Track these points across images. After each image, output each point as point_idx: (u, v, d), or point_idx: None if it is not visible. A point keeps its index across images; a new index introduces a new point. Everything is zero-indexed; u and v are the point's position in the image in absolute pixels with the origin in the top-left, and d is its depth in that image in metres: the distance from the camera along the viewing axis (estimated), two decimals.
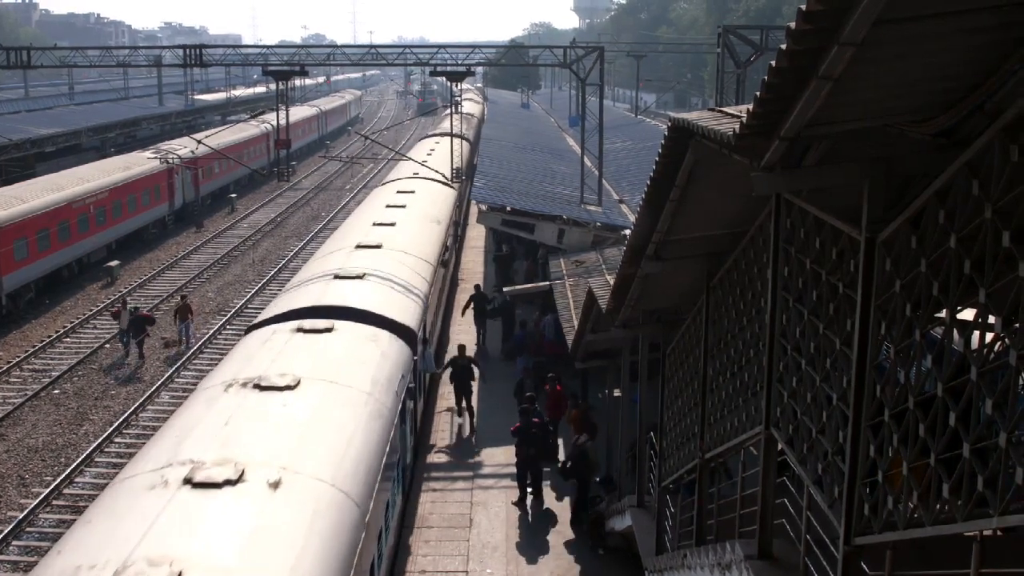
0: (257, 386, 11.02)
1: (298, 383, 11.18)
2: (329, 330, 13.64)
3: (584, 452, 16.38)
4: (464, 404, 20.27)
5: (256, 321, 16.22)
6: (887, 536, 5.11)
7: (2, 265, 27.95)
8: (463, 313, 26.37)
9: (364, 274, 17.77)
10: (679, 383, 11.45)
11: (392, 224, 22.87)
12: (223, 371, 12.28)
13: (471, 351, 24.80)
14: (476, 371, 20.63)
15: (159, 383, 23.44)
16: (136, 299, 31.45)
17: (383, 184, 33.16)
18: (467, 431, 19.78)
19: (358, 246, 20.34)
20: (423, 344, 17.75)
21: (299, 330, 13.60)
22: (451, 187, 31.38)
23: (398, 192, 28.43)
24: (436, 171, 31.68)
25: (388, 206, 25.71)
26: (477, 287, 26.73)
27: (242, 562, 7.27)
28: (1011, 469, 3.79)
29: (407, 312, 16.87)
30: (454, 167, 30.87)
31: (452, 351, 22.94)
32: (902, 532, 4.87)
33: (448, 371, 20.79)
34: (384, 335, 14.55)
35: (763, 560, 7.38)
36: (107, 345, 26.32)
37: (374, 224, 22.88)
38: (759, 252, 7.58)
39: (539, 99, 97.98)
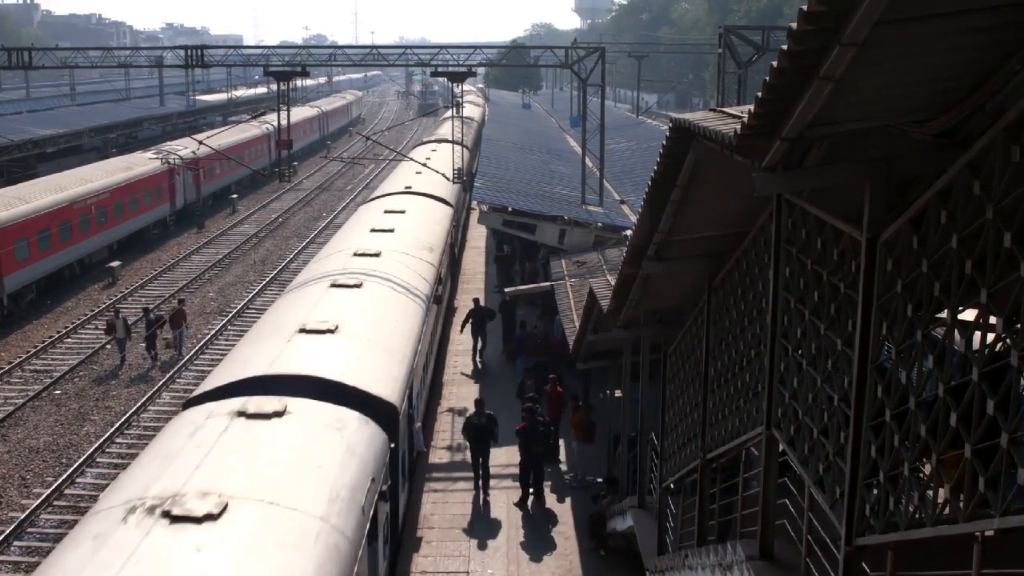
0: (167, 515, 7.94)
1: (223, 510, 8.08)
2: (279, 414, 10.53)
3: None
4: (480, 469, 17.35)
5: (195, 394, 12.67)
6: (888, 537, 5.11)
7: (4, 265, 27.97)
8: (461, 330, 25.30)
9: (336, 326, 14.19)
10: (680, 383, 11.45)
11: (376, 255, 19.61)
12: (129, 485, 9.01)
13: (467, 358, 24.74)
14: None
15: (160, 384, 23.44)
16: (135, 301, 31.48)
17: (370, 201, 29.99)
18: (480, 499, 17.01)
19: (334, 285, 16.95)
20: (408, 422, 14.48)
21: (240, 414, 10.47)
22: (447, 204, 28.74)
23: (386, 212, 25.21)
24: (435, 177, 30.51)
25: (373, 230, 22.60)
26: (476, 301, 25.38)
27: None
28: (1013, 470, 3.79)
29: (387, 379, 13.22)
30: (454, 179, 30.22)
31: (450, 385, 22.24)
32: (903, 533, 4.86)
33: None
34: (352, 419, 11.18)
35: (764, 560, 7.38)
36: (108, 346, 26.31)
37: (355, 254, 19.58)
38: (760, 252, 7.58)
39: (540, 100, 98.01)
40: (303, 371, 12.39)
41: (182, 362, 25.05)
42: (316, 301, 16.07)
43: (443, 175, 30.78)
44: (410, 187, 29.15)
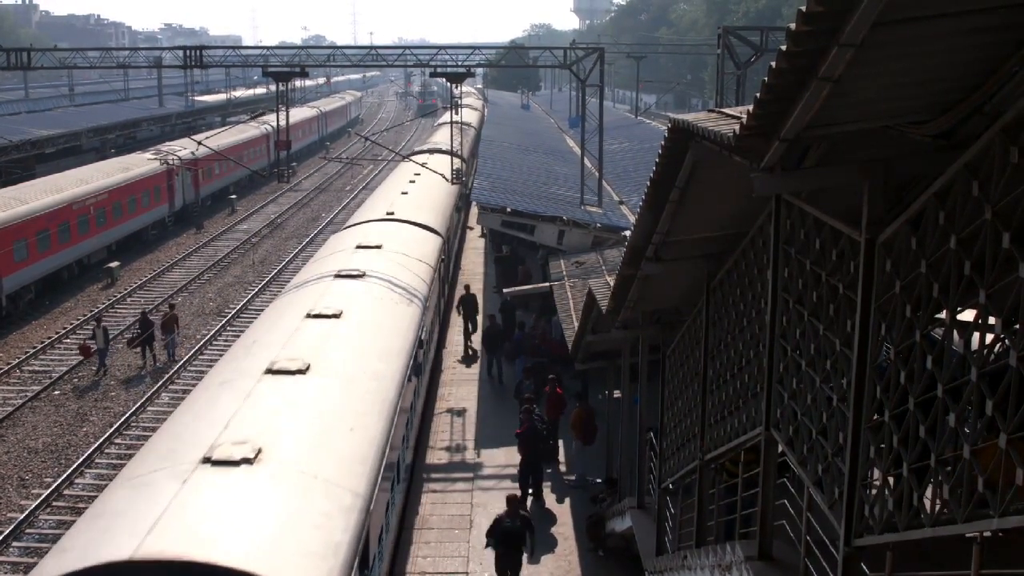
0: None
1: None
2: None
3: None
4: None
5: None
6: (887, 537, 5.11)
7: (2, 266, 27.96)
8: (457, 310, 26.22)
9: (259, 451, 8.87)
10: (679, 384, 11.45)
11: (337, 315, 14.21)
12: None
13: (459, 345, 24.88)
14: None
15: (159, 384, 23.44)
16: (133, 302, 31.48)
17: (343, 229, 25.01)
18: None
19: (271, 371, 11.28)
20: None
21: None
22: (436, 234, 24.50)
23: (358, 248, 20.08)
24: (424, 198, 27.72)
25: (339, 275, 17.09)
26: (467, 287, 26.34)
27: None
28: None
29: (321, 550, 7.94)
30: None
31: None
32: (902, 533, 4.86)
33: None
34: None
35: (763, 561, 7.38)
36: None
37: (308, 315, 14.18)
38: (759, 253, 7.58)
39: (539, 100, 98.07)
40: (186, 555, 7.14)
41: (175, 368, 24.62)
42: (248, 390, 10.67)
43: (434, 202, 28.07)
44: (392, 213, 24.79)
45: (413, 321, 16.35)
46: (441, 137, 46.10)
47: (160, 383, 23.52)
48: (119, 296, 31.71)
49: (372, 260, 18.71)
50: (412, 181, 30.77)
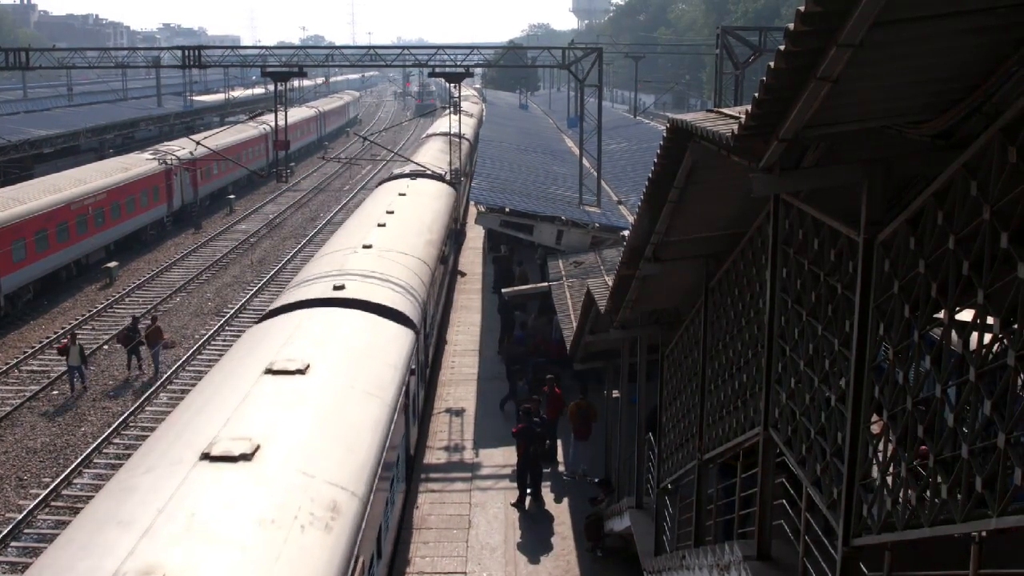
0: None
1: None
2: None
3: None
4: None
5: None
6: (885, 537, 5.11)
7: (1, 266, 27.93)
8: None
9: None
10: (678, 384, 11.45)
11: (246, 456, 8.94)
12: None
13: (464, 359, 24.78)
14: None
15: (157, 384, 23.42)
16: (131, 302, 31.45)
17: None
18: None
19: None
20: None
21: None
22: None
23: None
24: (410, 232, 22.65)
25: (269, 375, 11.20)
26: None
27: None
28: (1010, 470, 3.79)
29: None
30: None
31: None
32: (901, 533, 4.87)
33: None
34: None
35: (762, 561, 7.38)
36: (105, 347, 26.29)
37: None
38: (757, 253, 7.58)
39: (538, 100, 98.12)
40: None
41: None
42: (178, 484, 8.03)
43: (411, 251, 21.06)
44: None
45: (371, 453, 10.36)
46: (428, 155, 38.49)
47: (158, 384, 23.48)
48: (117, 296, 31.68)
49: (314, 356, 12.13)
50: (382, 224, 22.33)
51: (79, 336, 24.94)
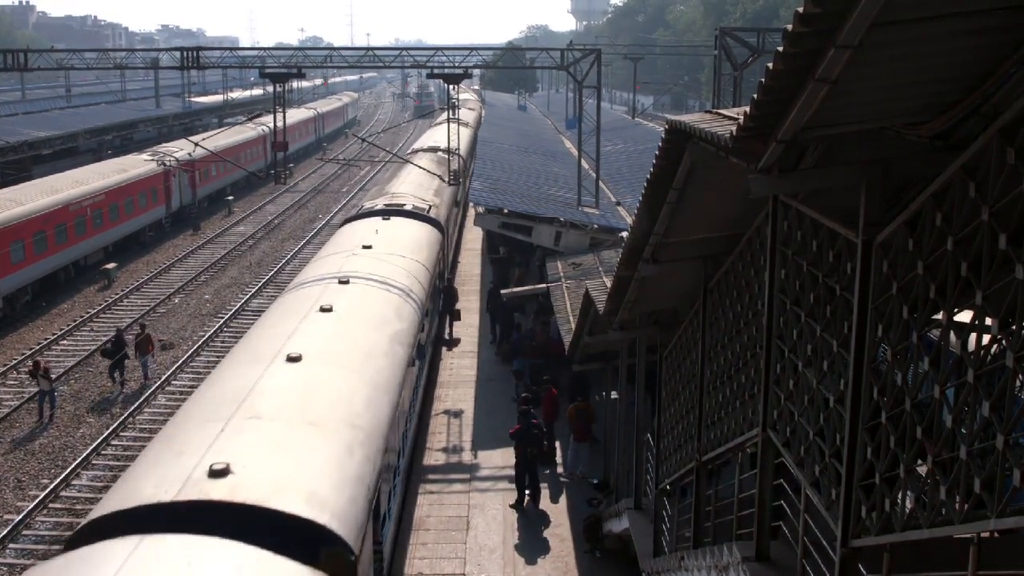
0: None
1: None
2: None
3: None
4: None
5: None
6: (884, 538, 5.11)
7: None
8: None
9: None
10: (676, 385, 11.45)
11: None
12: None
13: (463, 360, 24.91)
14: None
15: (156, 386, 23.39)
16: (130, 303, 31.41)
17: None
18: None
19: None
20: None
21: None
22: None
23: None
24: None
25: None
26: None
27: None
28: (1008, 471, 3.79)
29: None
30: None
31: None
32: (899, 534, 4.87)
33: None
34: None
35: (760, 562, 7.38)
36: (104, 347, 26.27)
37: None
38: (756, 254, 7.58)
39: (536, 101, 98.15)
40: None
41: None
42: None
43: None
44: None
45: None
46: (410, 182, 30.93)
47: (157, 385, 23.45)
48: (116, 298, 31.66)
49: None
50: (344, 281, 15.87)
51: (47, 360, 23.55)
